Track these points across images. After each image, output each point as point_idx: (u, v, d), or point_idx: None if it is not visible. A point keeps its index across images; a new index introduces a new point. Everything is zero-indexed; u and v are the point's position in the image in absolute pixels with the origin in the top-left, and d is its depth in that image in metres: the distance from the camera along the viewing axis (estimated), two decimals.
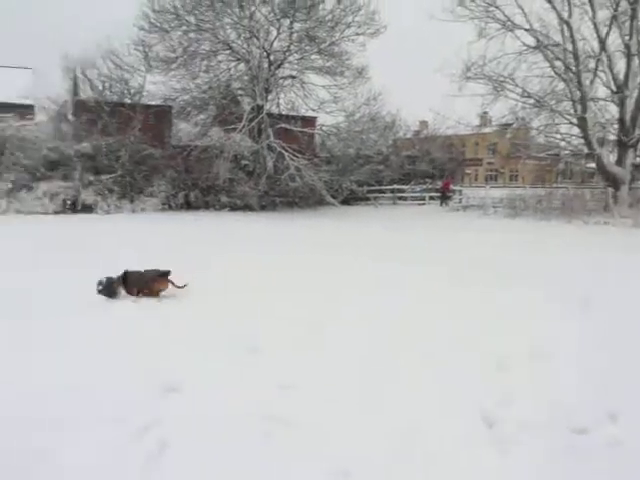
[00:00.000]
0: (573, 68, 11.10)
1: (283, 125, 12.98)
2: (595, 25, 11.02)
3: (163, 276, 3.25)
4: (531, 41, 11.49)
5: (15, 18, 36.54)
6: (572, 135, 12.48)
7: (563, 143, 13.06)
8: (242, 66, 12.97)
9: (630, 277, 4.31)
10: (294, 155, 12.59)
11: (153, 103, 12.56)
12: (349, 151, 14.18)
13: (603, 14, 11.03)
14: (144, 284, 3.25)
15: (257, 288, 3.65)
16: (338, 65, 13.03)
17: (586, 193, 12.56)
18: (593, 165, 13.11)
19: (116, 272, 3.23)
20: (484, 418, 1.70)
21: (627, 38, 10.88)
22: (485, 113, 15.96)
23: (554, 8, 11.05)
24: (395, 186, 15.64)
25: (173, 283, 3.26)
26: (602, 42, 11.02)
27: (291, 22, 12.83)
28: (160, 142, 12.57)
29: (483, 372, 2.12)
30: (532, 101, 11.94)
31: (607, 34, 10.98)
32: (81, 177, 11.60)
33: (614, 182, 11.44)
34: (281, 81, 13.21)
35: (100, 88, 12.26)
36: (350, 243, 6.67)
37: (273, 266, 4.55)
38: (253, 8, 12.62)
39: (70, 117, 12.77)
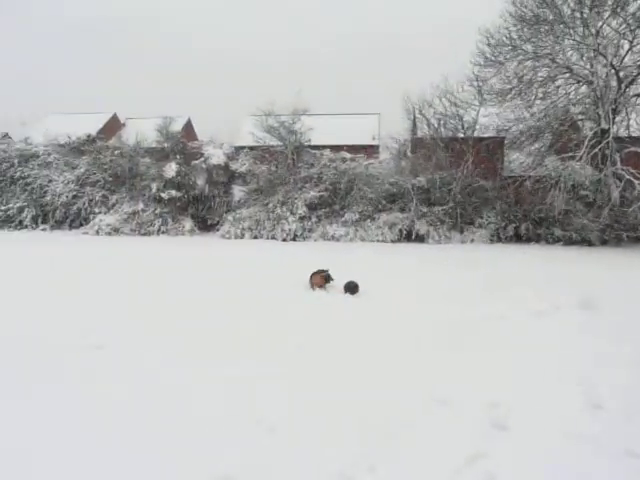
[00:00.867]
0: None
1: (634, 149, 18.73)
2: None
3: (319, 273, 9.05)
4: None
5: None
6: None
7: None
8: (584, 88, 19.78)
9: None
10: None
11: (485, 135, 21.06)
12: None
13: None
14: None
15: None
16: None
17: None
18: None
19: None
20: None
21: None
22: None
23: None
24: None
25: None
26: None
27: None
28: (491, 174, 20.76)
29: None
30: None
31: None
32: (416, 209, 20.93)
33: None
34: (633, 99, 19.19)
35: (435, 125, 21.75)
36: None
37: None
38: (600, 23, 19.49)
39: (408, 154, 22.91)
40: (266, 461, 3.13)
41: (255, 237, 20.55)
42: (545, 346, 5.57)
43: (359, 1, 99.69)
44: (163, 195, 21.94)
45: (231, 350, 5.29)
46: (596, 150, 18.64)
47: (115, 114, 34.19)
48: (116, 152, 23.85)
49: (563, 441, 3.41)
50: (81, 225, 23.16)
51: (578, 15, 18.76)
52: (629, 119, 19.18)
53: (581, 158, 18.58)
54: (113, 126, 32.80)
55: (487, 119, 20.82)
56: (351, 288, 8.45)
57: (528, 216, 19.41)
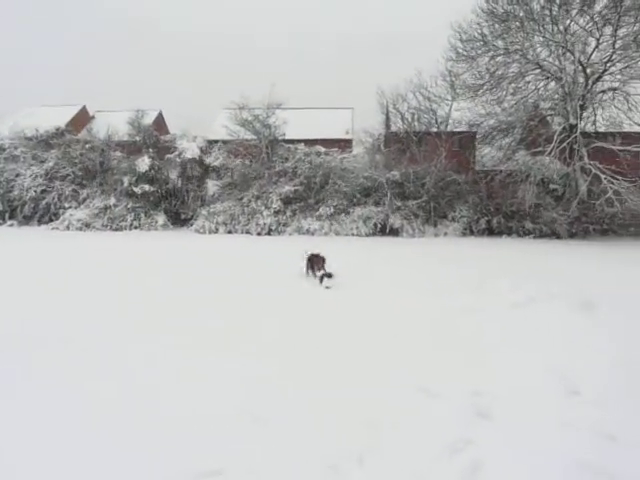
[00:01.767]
0: None
1: (600, 144, 19.28)
2: None
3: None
4: None
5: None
6: None
7: None
8: (553, 84, 20.24)
9: None
10: (613, 177, 18.64)
11: (458, 130, 21.43)
12: None
13: None
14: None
15: None
16: None
17: None
18: None
19: None
20: None
21: None
22: None
23: None
24: None
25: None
26: None
27: (615, 29, 19.38)
28: (464, 168, 21.08)
29: None
30: None
31: None
32: (390, 202, 21.16)
33: None
34: (599, 95, 19.70)
35: (409, 120, 22.05)
36: None
37: None
38: (568, 21, 19.95)
39: (382, 148, 23.12)
40: (256, 456, 3.18)
41: (229, 231, 20.51)
42: (521, 337, 5.76)
43: None
44: (136, 189, 21.69)
45: (220, 347, 5.31)
46: (564, 145, 19.15)
47: (84, 107, 33.51)
48: (86, 145, 23.48)
49: (542, 426, 3.57)
50: (51, 220, 22.71)
51: (547, 12, 19.20)
52: (595, 115, 19.73)
53: (550, 153, 19.08)
54: (82, 119, 32.14)
55: (459, 114, 21.19)
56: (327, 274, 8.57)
57: (500, 209, 19.84)
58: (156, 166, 22.34)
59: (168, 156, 22.87)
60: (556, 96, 20.16)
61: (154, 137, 23.90)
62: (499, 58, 20.55)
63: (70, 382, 4.31)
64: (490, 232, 19.94)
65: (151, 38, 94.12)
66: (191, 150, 22.94)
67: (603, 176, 18.45)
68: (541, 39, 20.15)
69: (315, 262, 9.17)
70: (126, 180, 21.98)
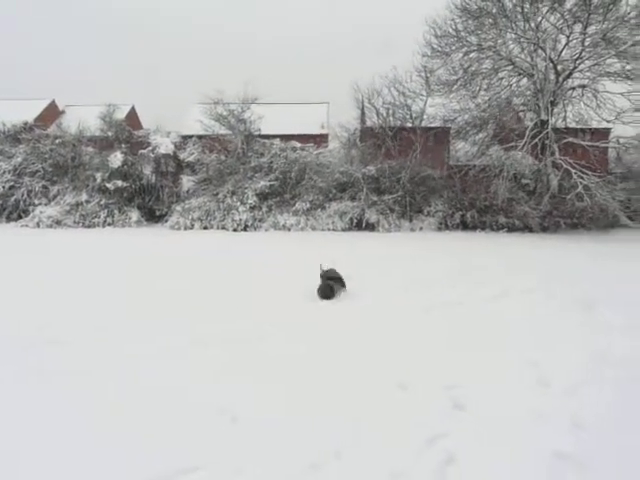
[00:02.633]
0: None
1: (570, 139, 19.72)
2: None
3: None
4: None
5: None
6: None
7: None
8: (525, 81, 20.61)
9: None
10: (582, 172, 19.12)
11: (432, 125, 21.66)
12: None
13: None
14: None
15: None
16: None
17: None
18: None
19: None
20: None
21: None
22: None
23: None
24: None
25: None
26: None
27: (584, 26, 19.80)
28: (438, 163, 21.33)
29: None
30: None
31: None
32: (366, 197, 21.30)
33: None
34: (569, 92, 20.08)
35: (384, 115, 22.18)
36: None
37: None
38: (539, 18, 20.32)
39: (358, 143, 23.22)
40: (235, 452, 3.21)
41: (205, 227, 20.39)
42: (497, 330, 5.91)
43: None
44: (108, 185, 21.35)
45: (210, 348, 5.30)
46: (536, 140, 19.55)
47: (53, 101, 32.73)
48: (57, 141, 23.00)
49: (515, 416, 3.69)
50: (20, 217, 22.22)
51: (519, 9, 19.53)
52: (566, 111, 20.19)
53: (522, 148, 19.45)
54: (51, 113, 31.39)
55: (434, 109, 21.42)
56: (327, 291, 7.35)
57: (474, 204, 20.15)
58: (129, 162, 22.02)
59: (141, 151, 22.56)
60: (528, 92, 20.56)
61: (127, 132, 23.54)
62: (473, 54, 20.80)
63: (62, 382, 4.29)
64: (464, 226, 20.26)
65: (121, 30, 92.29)
66: (165, 145, 22.68)
67: (573, 171, 18.88)
68: (513, 36, 20.48)
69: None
70: (99, 176, 21.62)
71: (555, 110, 20.06)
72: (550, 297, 7.55)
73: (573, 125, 20.24)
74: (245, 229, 20.22)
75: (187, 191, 21.97)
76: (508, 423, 3.58)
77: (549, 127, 19.51)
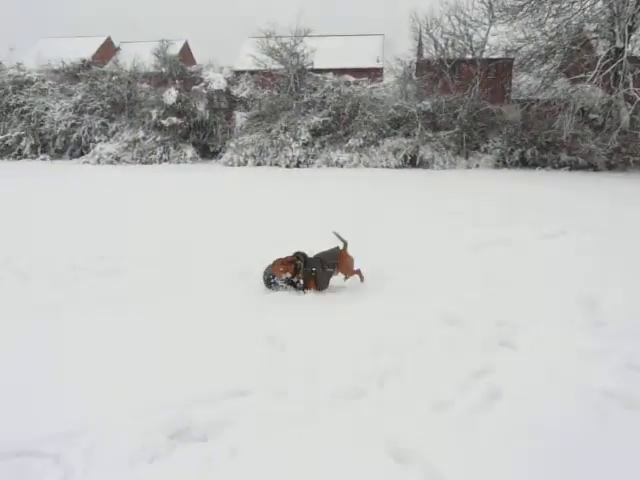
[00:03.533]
0: None
1: None
2: None
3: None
4: None
5: None
6: None
7: None
8: (600, 4, 18.90)
9: None
10: None
11: (494, 57, 20.53)
12: None
13: None
14: None
15: None
16: None
17: None
18: None
19: None
20: None
21: None
22: None
23: None
24: None
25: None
26: None
27: None
28: (498, 97, 20.40)
29: None
30: None
31: None
32: (421, 134, 20.74)
33: None
34: None
35: (443, 46, 21.14)
36: None
37: None
38: None
39: (414, 77, 22.40)
40: (282, 377, 3.30)
41: (258, 164, 20.55)
42: (550, 268, 5.81)
43: None
44: (164, 122, 21.70)
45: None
46: (608, 71, 18.21)
47: (109, 37, 33.04)
48: (113, 78, 23.34)
49: (565, 356, 3.62)
50: (82, 154, 23.04)
51: None
52: None
53: (592, 80, 18.19)
54: (107, 51, 31.77)
55: (496, 39, 20.16)
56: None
57: (535, 141, 19.27)
58: (183, 98, 22.19)
59: (195, 88, 22.64)
60: (602, 17, 18.95)
61: (180, 68, 23.58)
62: None
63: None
64: (524, 164, 19.50)
65: None
66: (217, 81, 22.63)
67: None
68: None
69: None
70: (154, 113, 21.97)
71: (632, 37, 18.48)
72: (612, 237, 7.27)
73: None
74: (298, 166, 20.24)
75: (240, 127, 22.04)
76: (558, 360, 3.53)
77: (624, 56, 18.06)
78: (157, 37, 24.40)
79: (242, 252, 6.16)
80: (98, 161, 21.87)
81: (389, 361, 3.49)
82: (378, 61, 26.44)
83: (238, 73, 23.70)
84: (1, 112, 23.96)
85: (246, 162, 20.62)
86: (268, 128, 21.13)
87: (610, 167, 18.57)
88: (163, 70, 23.65)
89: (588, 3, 19.17)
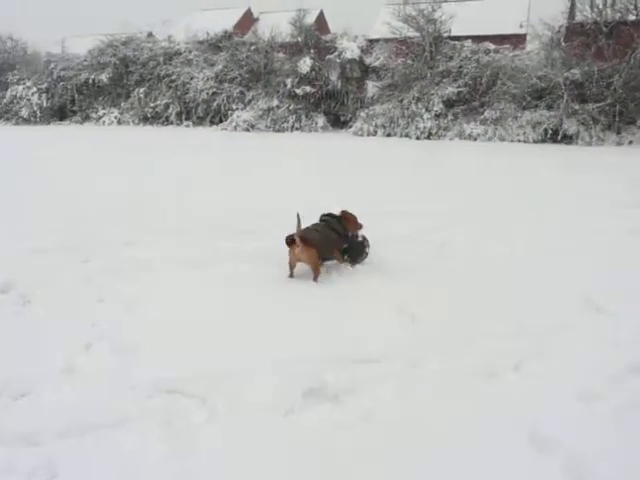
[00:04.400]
0: None
1: None
2: None
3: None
4: None
5: None
6: None
7: None
8: None
9: None
10: None
11: None
12: None
13: None
14: None
15: None
16: None
17: None
18: None
19: None
20: None
21: None
22: None
23: None
24: None
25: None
26: None
27: None
28: None
29: None
30: None
31: None
32: (566, 106, 19.12)
33: None
34: None
35: (600, 6, 19.18)
36: None
37: None
38: None
39: (562, 43, 20.68)
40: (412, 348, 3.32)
41: (388, 135, 20.41)
42: None
43: None
44: (297, 91, 22.29)
45: None
46: None
47: (249, 9, 34.34)
48: (252, 48, 24.34)
49: None
50: (220, 121, 24.51)
51: None
52: None
53: None
54: (247, 21, 33.10)
55: None
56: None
57: None
58: (317, 67, 22.56)
59: (328, 57, 22.88)
60: None
61: (315, 37, 23.93)
62: None
63: None
64: None
65: None
66: (351, 50, 22.64)
67: None
68: None
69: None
70: (289, 82, 22.62)
71: None
72: None
73: None
74: (429, 137, 19.79)
75: (372, 97, 21.97)
76: None
77: None
78: (294, 7, 24.87)
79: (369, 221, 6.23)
80: (235, 128, 23.12)
81: (528, 345, 3.32)
82: (521, 26, 24.64)
83: (372, 42, 23.51)
84: (153, 82, 26.12)
85: (375, 132, 20.59)
86: (400, 98, 20.82)
87: None
88: (299, 39, 24.15)
89: None
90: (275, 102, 23.11)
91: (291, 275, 4.55)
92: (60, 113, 28.16)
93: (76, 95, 27.27)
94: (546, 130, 18.96)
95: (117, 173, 10.77)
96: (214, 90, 24.80)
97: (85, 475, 2.20)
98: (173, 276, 4.54)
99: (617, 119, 18.28)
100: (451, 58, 20.89)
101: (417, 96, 20.38)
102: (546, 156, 14.94)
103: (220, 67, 25.00)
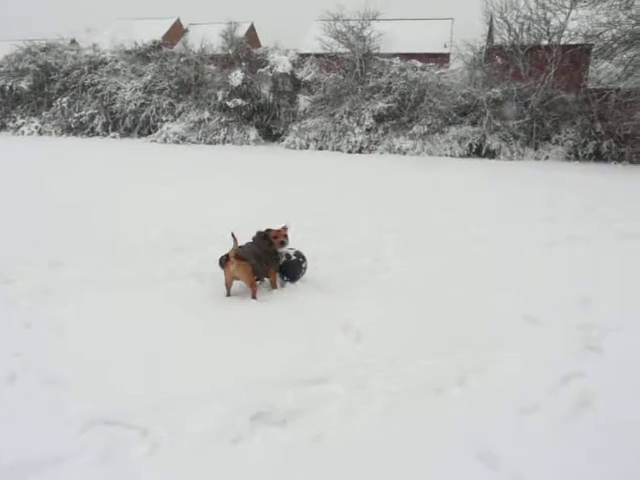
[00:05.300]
0: None
1: None
2: None
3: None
4: None
5: None
6: None
7: None
8: None
9: None
10: None
11: (571, 43, 19.54)
12: None
13: None
14: None
15: None
16: None
17: None
18: None
19: None
20: None
21: None
22: None
23: None
24: None
25: None
26: None
27: None
28: (574, 86, 19.45)
29: None
30: None
31: None
32: (489, 122, 20.13)
33: None
34: None
35: (517, 31, 20.32)
36: None
37: None
38: None
39: (483, 63, 21.69)
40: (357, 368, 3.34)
41: (320, 148, 20.58)
42: (629, 267, 5.58)
43: None
44: (229, 103, 22.06)
45: None
46: None
47: (178, 19, 33.79)
48: (182, 59, 23.89)
49: None
50: (149, 133, 23.80)
51: None
52: None
53: None
54: (176, 32, 32.55)
55: (576, 23, 19.16)
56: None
57: (612, 133, 18.26)
58: (248, 80, 22.46)
59: (260, 70, 22.85)
60: None
61: (246, 50, 23.84)
62: None
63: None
64: (598, 157, 18.55)
65: None
66: (282, 64, 22.71)
67: None
68: None
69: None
70: (220, 94, 22.37)
71: None
72: None
73: None
74: (360, 151, 20.13)
75: (304, 111, 22.10)
76: None
77: None
78: (224, 19, 24.67)
79: (308, 237, 6.22)
80: (165, 140, 22.52)
81: (469, 360, 3.42)
82: (445, 46, 25.76)
83: (303, 56, 23.70)
84: (77, 91, 25.01)
85: (308, 146, 20.71)
86: (332, 112, 21.09)
87: None
88: (230, 52, 23.96)
89: None
90: (206, 114, 22.76)
91: (228, 294, 4.48)
92: None
93: None
94: (471, 145, 19.84)
95: (41, 186, 10.16)
96: (142, 101, 24.10)
97: None
98: (104, 299, 4.30)
99: (534, 136, 19.37)
100: (380, 74, 21.41)
101: (348, 110, 20.71)
102: (470, 170, 15.58)
103: (149, 78, 24.33)
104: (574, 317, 4.19)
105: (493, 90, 19.97)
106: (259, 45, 28.90)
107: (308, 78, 22.57)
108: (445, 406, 2.90)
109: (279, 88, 22.71)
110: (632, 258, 5.99)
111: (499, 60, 20.43)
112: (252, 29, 33.31)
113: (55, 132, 24.93)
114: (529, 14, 19.89)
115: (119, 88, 24.38)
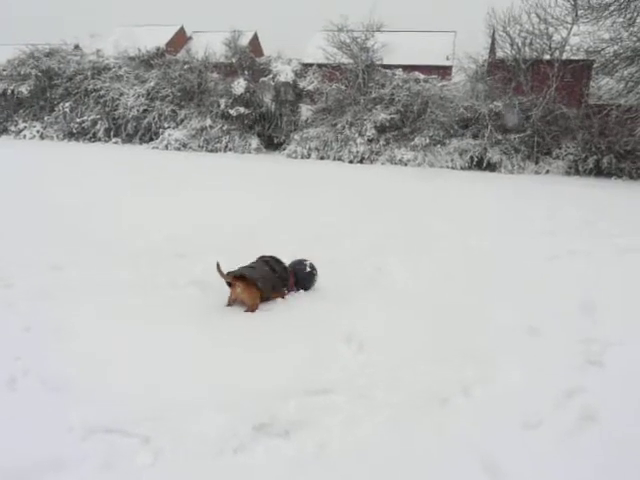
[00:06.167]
0: None
1: None
2: None
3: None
4: None
5: None
6: None
7: None
8: None
9: None
10: None
11: (573, 58, 19.71)
12: None
13: None
14: None
15: None
16: None
17: None
18: None
19: None
20: None
21: None
22: None
23: None
24: None
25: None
26: None
27: None
28: (575, 101, 19.59)
29: None
30: None
31: None
32: (490, 135, 20.23)
33: None
34: None
35: (519, 45, 20.50)
36: None
37: None
38: None
39: (485, 76, 21.85)
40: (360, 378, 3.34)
41: (322, 158, 20.64)
42: (630, 280, 5.58)
43: None
44: (231, 112, 22.16)
45: None
46: None
47: (182, 27, 34.00)
48: (185, 66, 24.01)
49: None
50: (151, 139, 23.86)
51: None
52: None
53: None
54: (180, 40, 32.73)
55: (578, 39, 19.33)
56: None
57: (612, 148, 18.34)
58: (251, 89, 22.57)
59: (262, 79, 22.96)
60: None
61: (249, 59, 23.96)
62: None
63: None
64: (598, 172, 18.62)
65: None
66: (285, 73, 22.83)
67: None
68: None
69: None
70: (222, 102, 22.47)
71: None
72: None
73: None
74: (361, 162, 20.20)
75: (305, 120, 22.19)
76: None
77: None
78: (227, 27, 24.83)
79: (309, 245, 6.21)
80: (166, 147, 22.59)
81: (473, 370, 3.43)
82: (448, 59, 25.97)
83: (306, 66, 23.84)
84: (80, 96, 25.10)
85: (309, 155, 20.78)
86: (333, 122, 21.18)
87: None
88: (233, 60, 24.09)
89: None
90: (208, 122, 22.83)
91: (229, 304, 4.46)
92: None
93: None
94: (472, 158, 19.92)
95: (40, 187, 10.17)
96: (145, 107, 24.19)
97: None
98: (105, 302, 4.28)
99: (535, 149, 19.46)
100: (383, 85, 21.53)
101: (350, 121, 20.81)
102: (471, 182, 15.62)
103: (152, 84, 24.44)
104: (575, 330, 4.19)
105: (495, 103, 20.11)
106: (262, 54, 29.07)
107: (310, 88, 22.69)
108: (449, 417, 2.89)
109: (281, 97, 22.80)
110: (633, 272, 6.00)
111: (501, 74, 20.49)
112: (255, 38, 33.53)
113: (57, 137, 25.00)
114: (531, 29, 20.06)
115: (122, 94, 24.48)
